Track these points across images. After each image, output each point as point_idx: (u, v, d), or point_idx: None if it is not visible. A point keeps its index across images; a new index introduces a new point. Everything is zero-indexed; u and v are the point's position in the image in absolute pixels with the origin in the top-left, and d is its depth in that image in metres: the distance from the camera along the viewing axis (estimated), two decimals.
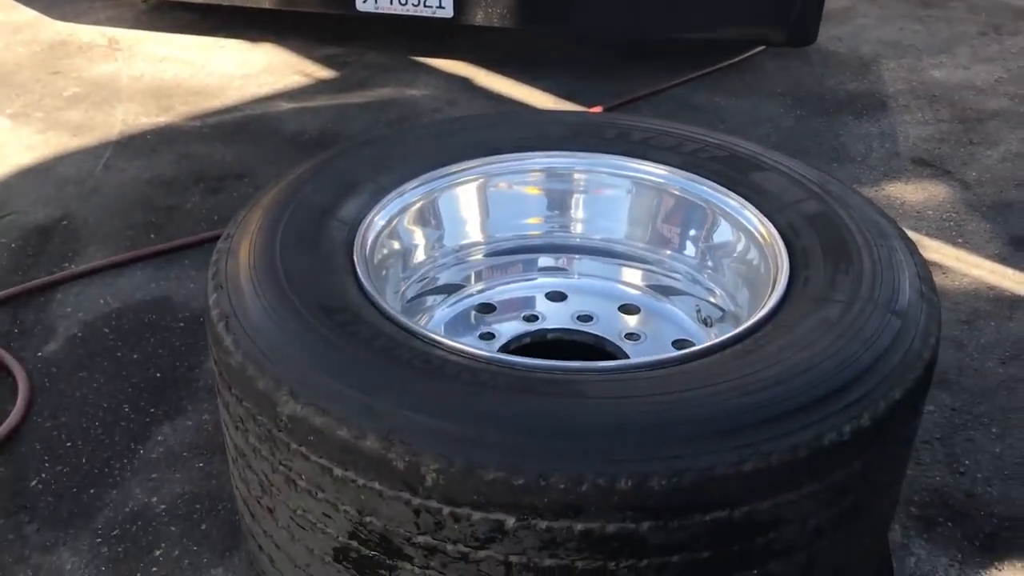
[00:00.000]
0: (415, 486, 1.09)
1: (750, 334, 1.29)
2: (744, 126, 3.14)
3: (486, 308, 1.71)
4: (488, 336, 1.66)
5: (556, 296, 1.75)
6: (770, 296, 1.38)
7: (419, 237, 1.61)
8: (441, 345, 1.25)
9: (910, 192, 2.76)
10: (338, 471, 1.14)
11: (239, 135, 3.04)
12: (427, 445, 1.08)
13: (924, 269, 1.44)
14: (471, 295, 1.68)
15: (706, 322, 1.69)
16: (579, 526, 1.08)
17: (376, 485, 1.12)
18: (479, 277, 1.69)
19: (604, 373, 1.21)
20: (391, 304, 1.48)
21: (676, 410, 1.12)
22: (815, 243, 1.47)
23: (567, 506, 1.07)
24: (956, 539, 1.62)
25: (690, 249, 1.68)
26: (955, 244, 2.51)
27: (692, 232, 1.67)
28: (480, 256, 1.68)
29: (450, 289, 1.67)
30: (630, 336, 1.66)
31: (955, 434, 1.85)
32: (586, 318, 1.70)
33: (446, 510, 1.09)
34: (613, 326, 1.69)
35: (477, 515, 1.09)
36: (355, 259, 1.42)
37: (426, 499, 1.10)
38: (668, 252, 1.70)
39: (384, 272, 1.52)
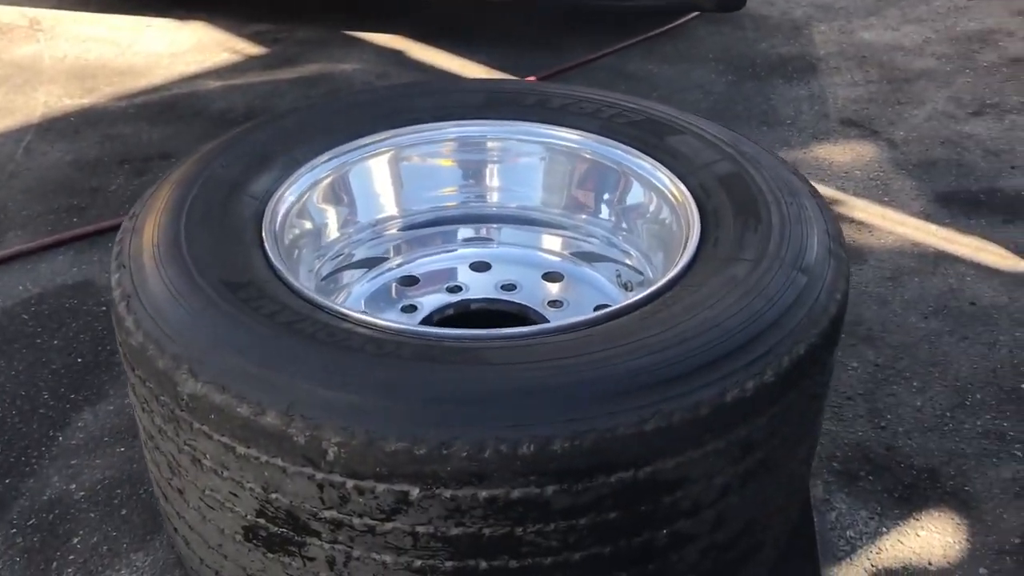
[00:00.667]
0: (317, 461, 1.08)
1: (658, 296, 1.30)
2: (676, 92, 3.14)
3: (409, 281, 1.70)
4: (410, 309, 1.64)
5: (480, 266, 1.74)
6: (680, 258, 1.39)
7: (331, 213, 1.59)
8: (348, 318, 1.24)
9: (838, 153, 2.79)
10: (241, 449, 1.13)
11: (166, 115, 2.98)
12: (327, 418, 1.08)
13: (833, 225, 1.46)
14: (391, 269, 1.67)
15: (627, 286, 1.69)
16: (484, 493, 1.07)
17: (279, 461, 1.11)
18: (398, 251, 1.68)
19: (509, 339, 1.20)
20: (303, 281, 1.46)
21: (579, 373, 1.11)
22: (726, 203, 1.48)
23: (471, 474, 1.06)
24: (876, 492, 1.65)
25: (605, 213, 1.68)
26: (881, 202, 2.55)
27: (606, 196, 1.67)
28: (396, 230, 1.67)
29: (368, 264, 1.65)
30: (553, 303, 1.66)
31: (877, 389, 1.88)
32: (510, 287, 1.69)
33: (350, 483, 1.09)
34: (536, 294, 1.69)
35: (381, 487, 1.08)
36: (264, 234, 1.40)
37: (329, 473, 1.09)
38: (584, 216, 1.70)
39: (296, 252, 1.49)
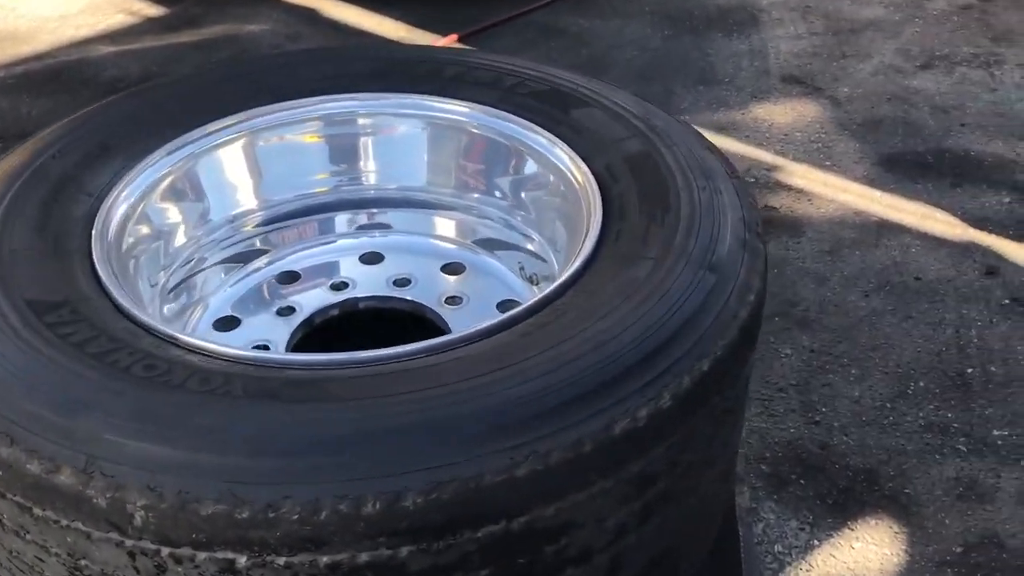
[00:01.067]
0: (123, 526, 0.91)
1: (547, 304, 1.12)
2: (608, 50, 2.94)
3: (288, 278, 1.50)
4: (287, 311, 1.45)
5: (371, 258, 1.55)
6: (577, 256, 1.21)
7: (178, 213, 1.38)
8: (178, 342, 1.06)
9: (778, 113, 2.62)
10: (37, 510, 0.94)
11: (50, 85, 2.73)
12: (132, 476, 0.90)
13: (751, 211, 1.29)
14: (258, 269, 1.47)
15: (532, 279, 1.52)
16: (325, 559, 0.91)
17: (80, 526, 0.92)
18: (265, 248, 1.47)
19: (364, 365, 1.02)
20: (142, 296, 1.26)
21: (438, 409, 0.94)
22: (632, 188, 1.31)
23: (305, 539, 0.89)
24: (808, 498, 1.51)
25: (499, 193, 1.49)
26: (823, 167, 2.38)
27: (499, 176, 1.48)
28: (257, 226, 1.46)
29: (231, 267, 1.45)
30: (451, 300, 1.47)
31: (812, 379, 1.73)
32: (403, 282, 1.50)
33: (165, 551, 0.92)
34: (433, 289, 1.50)
35: (202, 555, 0.91)
36: (93, 240, 1.20)
37: (139, 540, 0.91)
38: (476, 196, 1.51)
39: (134, 261, 1.29)
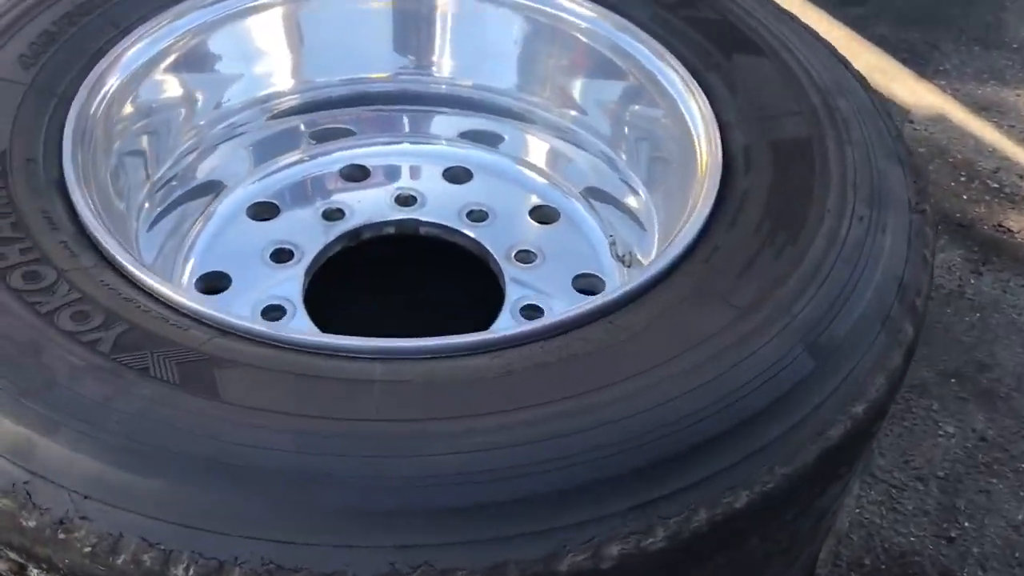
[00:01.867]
0: None
1: (557, 332, 0.80)
2: None
3: (352, 175, 1.25)
4: (335, 215, 1.21)
5: (458, 175, 1.26)
6: (648, 268, 0.88)
7: (185, 91, 1.11)
8: (99, 246, 0.86)
9: None
10: None
11: None
12: None
13: (920, 272, 0.89)
14: (299, 162, 1.21)
15: (623, 260, 1.18)
16: None
17: None
18: (308, 139, 1.21)
19: (280, 349, 0.77)
20: (115, 181, 1.03)
21: (319, 454, 0.68)
22: (761, 189, 0.95)
23: None
24: None
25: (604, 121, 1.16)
26: None
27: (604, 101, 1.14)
28: (289, 112, 1.18)
29: (263, 156, 1.20)
30: (523, 256, 1.17)
31: (968, 478, 1.31)
32: (480, 216, 1.21)
33: None
34: (509, 234, 1.21)
35: None
36: (82, 89, 0.98)
37: None
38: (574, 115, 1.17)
39: (119, 141, 1.05)
